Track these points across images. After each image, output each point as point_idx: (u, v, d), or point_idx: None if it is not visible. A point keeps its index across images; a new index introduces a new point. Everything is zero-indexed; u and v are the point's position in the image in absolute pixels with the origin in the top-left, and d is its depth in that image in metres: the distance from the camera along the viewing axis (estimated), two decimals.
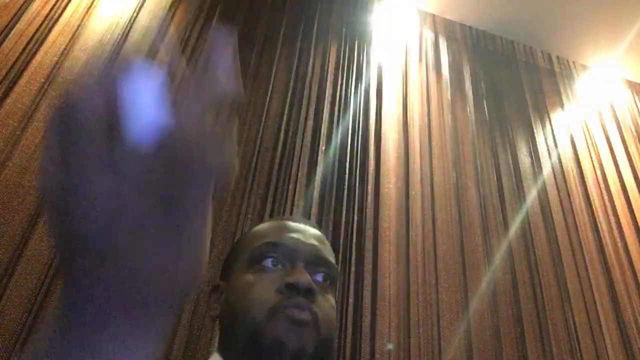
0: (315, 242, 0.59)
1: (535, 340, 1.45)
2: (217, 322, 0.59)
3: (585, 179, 1.94)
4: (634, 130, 2.25)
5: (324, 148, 1.59)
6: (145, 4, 1.67)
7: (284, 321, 0.50)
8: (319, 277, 0.57)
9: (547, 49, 2.33)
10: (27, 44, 1.39)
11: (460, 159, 1.78)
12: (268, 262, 0.55)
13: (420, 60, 2.02)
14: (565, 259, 1.67)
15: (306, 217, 1.42)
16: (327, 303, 0.55)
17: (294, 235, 0.58)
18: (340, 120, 1.68)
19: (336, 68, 1.81)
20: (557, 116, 2.13)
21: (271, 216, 1.39)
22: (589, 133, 2.13)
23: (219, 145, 0.21)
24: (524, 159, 1.91)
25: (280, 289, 0.52)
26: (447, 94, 1.95)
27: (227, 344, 0.55)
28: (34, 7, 1.47)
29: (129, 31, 1.58)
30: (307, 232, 0.60)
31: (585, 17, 2.11)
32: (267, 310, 0.50)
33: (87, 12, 1.56)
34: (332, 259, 0.60)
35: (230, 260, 0.62)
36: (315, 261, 0.57)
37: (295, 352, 0.49)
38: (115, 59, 1.49)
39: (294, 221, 0.62)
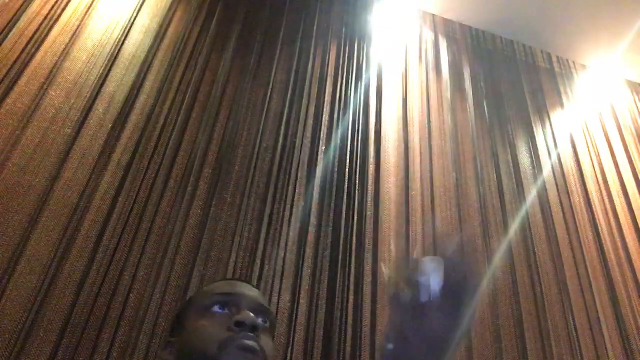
0: (258, 295, 0.71)
1: (535, 340, 1.45)
2: None
3: (585, 179, 1.94)
4: (634, 130, 2.25)
5: (324, 148, 1.59)
6: (145, 4, 1.67)
7: (236, 350, 0.58)
8: (260, 320, 0.67)
9: (547, 49, 2.33)
10: (27, 44, 1.39)
11: (460, 159, 1.78)
12: (217, 308, 0.65)
13: (420, 60, 2.02)
14: (565, 259, 1.67)
15: (306, 217, 1.42)
16: (269, 342, 0.66)
17: (239, 288, 0.70)
18: (340, 120, 1.68)
19: (336, 68, 1.81)
20: (557, 116, 2.13)
21: (271, 216, 1.39)
22: (589, 133, 2.13)
23: (471, 266, 0.51)
24: (524, 159, 1.91)
25: (230, 327, 0.61)
26: (447, 94, 1.95)
27: None
28: (34, 7, 1.47)
29: (129, 31, 1.58)
30: (249, 287, 0.73)
31: (585, 17, 2.11)
32: (220, 343, 0.59)
33: (87, 12, 1.56)
34: (270, 308, 0.73)
35: (180, 316, 0.70)
36: (257, 308, 0.68)
37: None
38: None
39: (239, 281, 0.74)
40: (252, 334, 0.61)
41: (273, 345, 0.67)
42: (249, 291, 0.70)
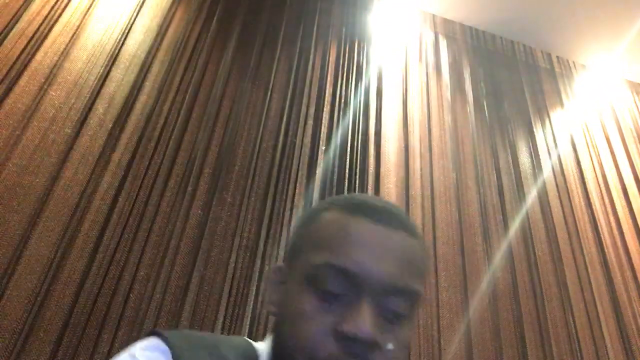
0: (393, 266, 0.45)
1: (535, 340, 1.45)
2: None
3: (585, 179, 1.94)
4: (634, 130, 2.25)
5: (324, 148, 1.59)
6: (145, 4, 1.67)
7: None
8: (392, 308, 0.45)
9: (547, 49, 2.33)
10: (27, 44, 1.39)
11: (460, 159, 1.78)
12: (328, 287, 0.44)
13: (420, 60, 2.02)
14: (565, 259, 1.67)
15: None
16: (396, 343, 0.45)
17: (368, 255, 0.44)
18: (340, 120, 1.68)
19: (336, 68, 1.81)
20: (557, 116, 2.13)
21: (271, 216, 1.38)
22: (589, 133, 2.13)
23: None
24: (524, 159, 1.91)
25: (337, 335, 0.43)
26: (447, 94, 1.95)
27: (278, 354, 0.49)
28: (34, 7, 1.47)
29: (129, 31, 1.58)
30: (387, 245, 0.46)
31: (585, 17, 2.11)
32: (313, 358, 0.43)
33: (87, 12, 1.56)
34: (414, 281, 0.46)
35: (296, 244, 0.51)
36: (389, 291, 0.44)
37: None
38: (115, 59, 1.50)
39: (376, 219, 0.47)
40: (364, 351, 0.42)
41: (405, 342, 0.47)
42: (385, 259, 0.44)
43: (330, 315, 0.43)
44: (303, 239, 0.50)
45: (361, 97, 1.77)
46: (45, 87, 1.35)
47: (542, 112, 2.11)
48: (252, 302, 1.23)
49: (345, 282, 0.44)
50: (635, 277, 1.71)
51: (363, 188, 1.55)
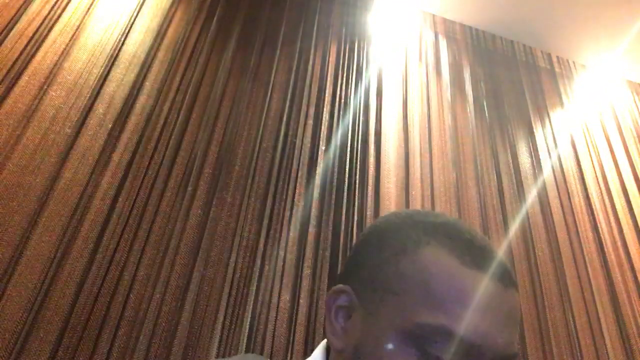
0: (511, 334, 0.40)
1: (535, 340, 1.45)
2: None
3: (585, 179, 1.94)
4: (634, 130, 2.25)
5: (324, 148, 1.59)
6: (145, 4, 1.67)
7: None
8: None
9: (547, 49, 2.33)
10: (27, 44, 1.39)
11: (460, 159, 1.78)
12: (438, 353, 0.37)
13: (420, 60, 2.02)
14: (565, 259, 1.67)
15: (306, 217, 1.42)
16: None
17: (490, 323, 0.39)
18: (340, 120, 1.68)
19: (336, 68, 1.81)
20: (557, 116, 2.13)
21: (271, 216, 1.38)
22: (589, 133, 2.13)
23: None
24: (524, 159, 1.91)
25: None
26: (447, 94, 1.95)
27: None
28: (34, 7, 1.47)
29: (129, 31, 1.58)
30: (507, 310, 0.40)
31: (585, 17, 2.11)
32: None
33: (87, 12, 1.56)
34: (517, 344, 0.43)
35: (378, 278, 0.43)
36: (503, 359, 0.39)
37: None
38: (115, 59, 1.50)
39: (494, 275, 0.41)
40: None
41: None
42: (502, 326, 0.39)
43: None
44: (394, 278, 0.42)
45: (361, 97, 1.77)
46: (45, 87, 1.35)
47: (542, 112, 2.11)
48: (252, 302, 1.23)
49: (461, 351, 0.38)
50: (635, 277, 1.71)
51: (363, 188, 1.55)
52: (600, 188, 1.95)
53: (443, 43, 2.13)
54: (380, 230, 0.47)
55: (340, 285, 0.46)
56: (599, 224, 1.82)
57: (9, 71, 1.32)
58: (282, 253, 1.33)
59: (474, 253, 0.41)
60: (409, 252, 0.42)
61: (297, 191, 1.46)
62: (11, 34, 1.38)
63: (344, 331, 0.44)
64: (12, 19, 1.41)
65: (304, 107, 1.65)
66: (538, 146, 1.97)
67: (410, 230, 0.44)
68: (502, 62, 2.20)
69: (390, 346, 0.39)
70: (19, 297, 1.05)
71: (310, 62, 1.78)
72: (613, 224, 1.85)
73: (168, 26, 1.66)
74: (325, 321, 0.48)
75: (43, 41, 1.42)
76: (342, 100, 1.73)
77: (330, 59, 1.83)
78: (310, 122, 1.63)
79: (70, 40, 1.47)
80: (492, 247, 0.44)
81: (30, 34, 1.41)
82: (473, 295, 0.39)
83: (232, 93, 1.59)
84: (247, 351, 1.16)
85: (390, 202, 1.56)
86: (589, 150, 2.06)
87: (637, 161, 2.11)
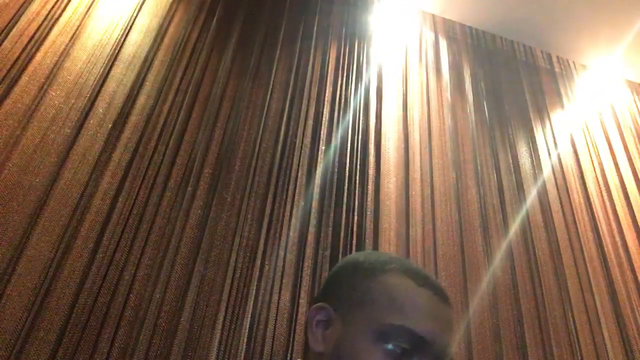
0: (450, 337, 0.55)
1: (535, 340, 1.45)
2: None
3: (585, 179, 1.94)
4: (634, 130, 2.25)
5: (324, 148, 1.59)
6: (145, 4, 1.67)
7: None
8: None
9: (547, 49, 2.33)
10: (27, 44, 1.39)
11: (460, 159, 1.78)
12: (394, 348, 0.50)
13: (420, 60, 2.02)
14: (565, 259, 1.67)
15: (306, 217, 1.42)
16: None
17: (437, 326, 0.53)
18: (340, 120, 1.68)
19: (336, 68, 1.81)
20: (557, 116, 2.13)
21: (271, 216, 1.38)
22: (589, 133, 2.13)
23: None
24: (524, 159, 1.91)
25: None
26: (447, 94, 1.95)
27: None
28: (34, 7, 1.47)
29: (129, 31, 1.58)
30: (444, 317, 0.55)
31: (585, 17, 2.11)
32: None
33: (87, 12, 1.56)
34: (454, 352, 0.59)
35: (353, 296, 0.56)
36: (443, 357, 0.53)
37: None
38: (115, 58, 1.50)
39: (437, 293, 0.56)
40: None
41: None
42: (444, 330, 0.54)
43: None
44: (366, 294, 0.56)
45: (361, 97, 1.77)
46: (45, 87, 1.35)
47: (542, 112, 2.11)
48: (252, 302, 1.23)
49: (415, 345, 0.51)
50: (635, 277, 1.71)
51: (363, 188, 1.55)
52: (600, 188, 1.95)
53: (443, 43, 2.13)
54: (353, 261, 0.62)
55: (320, 303, 0.59)
56: (599, 224, 1.82)
57: (9, 71, 1.32)
58: (282, 253, 1.33)
59: (422, 277, 0.57)
60: (377, 274, 0.57)
61: (297, 191, 1.46)
62: (11, 34, 1.38)
63: (323, 338, 0.56)
64: (12, 19, 1.41)
65: (304, 107, 1.65)
66: (538, 146, 1.97)
67: (375, 261, 0.60)
68: (502, 62, 2.20)
69: (364, 344, 0.52)
70: (19, 297, 1.05)
71: (310, 62, 1.78)
72: (613, 224, 1.85)
73: (168, 26, 1.66)
74: (307, 332, 0.61)
75: (43, 41, 1.42)
76: (342, 100, 1.73)
77: (330, 59, 1.83)
78: (310, 122, 1.63)
79: (70, 40, 1.47)
80: (433, 276, 0.60)
81: (30, 34, 1.41)
82: (425, 305, 0.54)
83: (232, 93, 1.59)
84: (247, 351, 1.16)
85: (390, 202, 1.56)
86: (589, 150, 2.06)
87: (637, 161, 2.11)
